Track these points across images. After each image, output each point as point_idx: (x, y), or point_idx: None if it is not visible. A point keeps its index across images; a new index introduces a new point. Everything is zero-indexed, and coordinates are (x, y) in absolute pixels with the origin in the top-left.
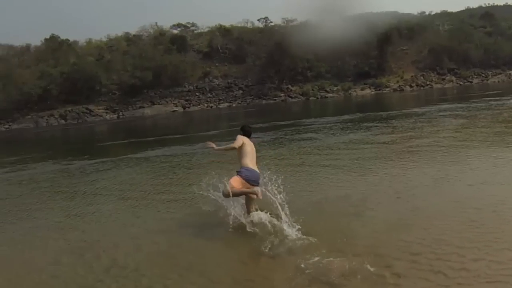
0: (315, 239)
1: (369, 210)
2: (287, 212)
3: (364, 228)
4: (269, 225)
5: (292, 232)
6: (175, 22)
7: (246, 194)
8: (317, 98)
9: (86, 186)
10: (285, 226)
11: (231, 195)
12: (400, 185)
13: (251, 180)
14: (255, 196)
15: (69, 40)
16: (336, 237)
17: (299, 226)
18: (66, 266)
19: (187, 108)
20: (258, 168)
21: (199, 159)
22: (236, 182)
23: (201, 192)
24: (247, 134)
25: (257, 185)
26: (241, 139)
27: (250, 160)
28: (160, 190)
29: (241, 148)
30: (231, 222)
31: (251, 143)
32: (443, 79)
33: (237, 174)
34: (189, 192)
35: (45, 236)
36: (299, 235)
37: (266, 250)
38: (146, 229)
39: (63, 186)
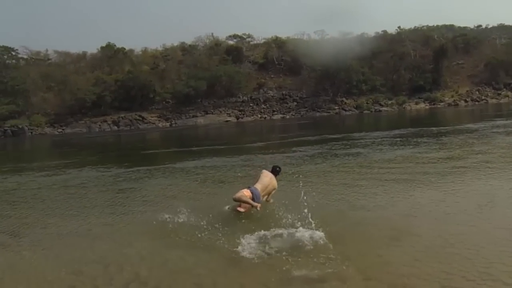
0: (350, 265)
1: (410, 234)
2: (321, 235)
3: (404, 256)
4: (301, 248)
5: (326, 256)
6: (231, 33)
7: (248, 204)
8: (371, 111)
9: (115, 194)
10: (318, 250)
11: (236, 199)
12: (445, 208)
13: (255, 196)
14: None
15: (124, 49)
16: (373, 264)
17: (333, 251)
18: (86, 277)
19: (240, 119)
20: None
21: (236, 172)
22: (247, 193)
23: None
24: (274, 172)
25: (257, 201)
26: (260, 173)
27: (260, 187)
28: (188, 204)
29: (259, 177)
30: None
31: (272, 178)
32: (499, 94)
33: (248, 188)
34: (218, 208)
35: (72, 244)
36: (333, 260)
37: (296, 275)
38: (174, 243)
39: (91, 193)
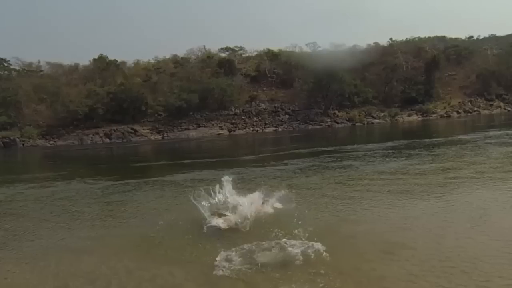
0: (343, 280)
1: (405, 248)
2: (313, 249)
3: (399, 270)
4: (291, 262)
5: (317, 271)
6: (223, 46)
7: None
8: (364, 124)
9: (103, 207)
10: (309, 264)
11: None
12: (439, 221)
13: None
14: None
15: (117, 61)
16: (368, 278)
17: (325, 265)
18: None
19: (232, 132)
20: None
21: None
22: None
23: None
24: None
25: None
26: None
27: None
28: (176, 217)
29: None
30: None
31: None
32: (491, 105)
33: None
34: (206, 222)
35: (58, 257)
36: (325, 275)
37: None
38: (163, 258)
39: (78, 206)
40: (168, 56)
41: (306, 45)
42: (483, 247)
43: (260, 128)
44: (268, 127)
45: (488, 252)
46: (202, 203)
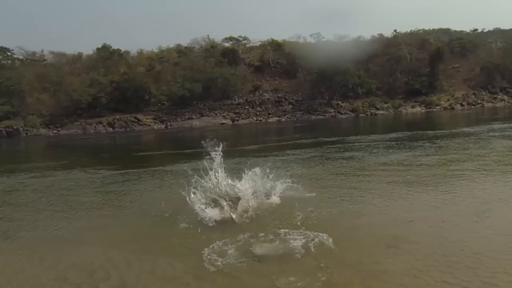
0: (345, 273)
1: (408, 241)
2: (314, 241)
3: (402, 264)
4: (292, 254)
5: (317, 264)
6: (227, 35)
7: None
8: (367, 115)
9: (102, 197)
10: (310, 257)
11: None
12: (443, 214)
13: None
14: None
15: (120, 50)
16: (370, 272)
17: (327, 258)
18: (70, 284)
19: (236, 121)
20: None
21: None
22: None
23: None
24: None
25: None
26: None
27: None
28: (176, 208)
29: None
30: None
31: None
32: (495, 98)
33: None
34: (206, 214)
35: (57, 248)
36: (326, 268)
37: (285, 282)
38: (163, 249)
39: (78, 196)
40: (171, 45)
41: (310, 35)
42: (488, 241)
43: (263, 118)
44: (271, 117)
45: (493, 247)
46: (199, 192)
